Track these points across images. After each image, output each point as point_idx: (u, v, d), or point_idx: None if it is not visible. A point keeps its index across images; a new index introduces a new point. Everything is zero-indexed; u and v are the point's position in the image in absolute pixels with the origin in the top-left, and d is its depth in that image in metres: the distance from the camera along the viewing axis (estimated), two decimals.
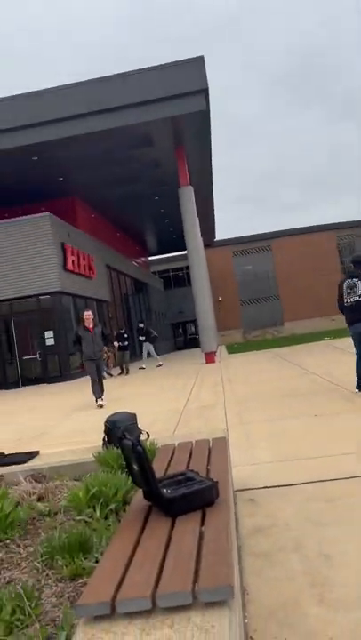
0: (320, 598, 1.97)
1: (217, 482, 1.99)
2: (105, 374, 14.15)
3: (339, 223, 41.30)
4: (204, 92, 15.15)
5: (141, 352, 19.02)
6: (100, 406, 8.41)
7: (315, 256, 39.61)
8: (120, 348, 17.02)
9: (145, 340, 18.77)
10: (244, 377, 10.76)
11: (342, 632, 1.73)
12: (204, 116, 15.90)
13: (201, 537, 1.66)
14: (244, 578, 2.20)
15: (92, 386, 8.92)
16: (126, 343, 17.23)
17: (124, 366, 16.89)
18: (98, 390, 8.86)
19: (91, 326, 8.97)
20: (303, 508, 2.92)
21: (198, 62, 15.11)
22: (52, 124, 15.40)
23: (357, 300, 6.29)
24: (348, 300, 6.43)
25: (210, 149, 18.93)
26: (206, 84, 15.07)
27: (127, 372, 16.64)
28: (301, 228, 40.92)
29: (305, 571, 2.21)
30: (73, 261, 18.39)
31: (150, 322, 30.25)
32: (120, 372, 16.77)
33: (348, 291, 6.43)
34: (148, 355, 18.60)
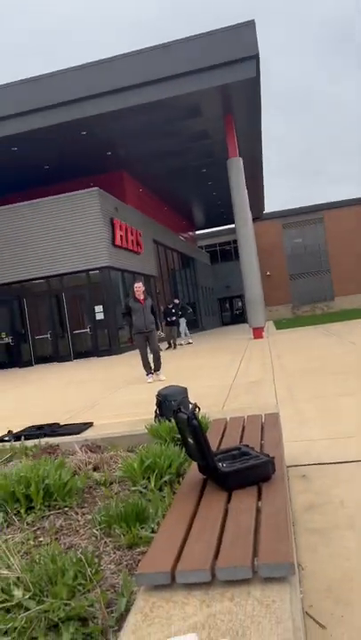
0: None
1: (273, 457, 1.97)
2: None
3: None
4: (255, 58, 14.63)
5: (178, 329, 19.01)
6: (155, 381, 8.16)
7: None
8: (168, 323, 16.97)
9: (180, 316, 18.73)
10: (293, 353, 10.62)
11: None
12: (254, 84, 15.39)
13: (258, 512, 1.65)
14: (299, 554, 2.19)
15: (143, 360, 8.69)
16: (174, 318, 17.21)
17: (171, 341, 17.00)
18: (148, 365, 8.65)
19: (142, 298, 8.76)
20: (358, 486, 2.86)
21: (249, 27, 14.55)
22: (100, 97, 15.35)
23: None
24: None
25: (260, 118, 18.37)
26: (257, 49, 14.54)
27: (175, 347, 16.80)
28: (355, 199, 39.38)
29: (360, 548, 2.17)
30: (121, 236, 18.51)
31: (186, 300, 30.22)
32: (168, 346, 16.75)
33: None
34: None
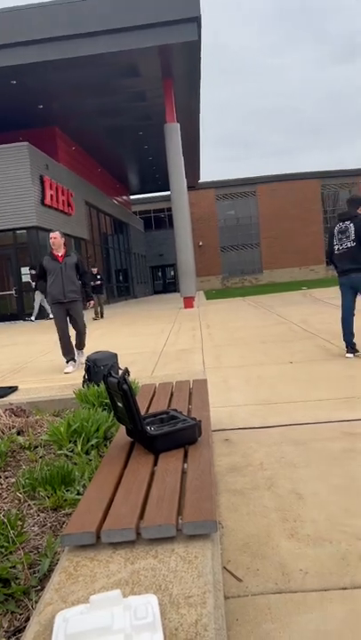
0: (292, 533, 2.07)
1: (200, 421, 2.02)
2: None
3: (325, 172, 40.68)
4: (196, 20, 14.28)
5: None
6: (68, 372, 6.05)
7: (298, 204, 39.29)
8: (92, 289, 15.42)
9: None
10: (222, 323, 10.86)
11: (313, 565, 1.83)
12: (194, 48, 15.07)
13: (184, 474, 1.70)
14: (220, 513, 2.28)
15: (61, 341, 6.34)
16: (98, 283, 15.43)
17: (98, 310, 15.49)
18: (68, 349, 6.37)
19: (60, 254, 6.31)
20: (277, 450, 3.01)
21: None
22: (32, 44, 14.40)
23: (349, 247, 5.49)
24: (339, 247, 5.61)
25: (199, 84, 18.10)
26: (199, 11, 14.18)
27: (102, 316, 15.43)
28: (287, 175, 40.23)
29: (278, 508, 2.30)
30: (51, 196, 17.80)
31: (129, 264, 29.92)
32: (94, 316, 15.25)
33: (340, 236, 5.60)
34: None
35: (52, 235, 6.44)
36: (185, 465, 1.80)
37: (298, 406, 3.86)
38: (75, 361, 6.33)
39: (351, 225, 5.51)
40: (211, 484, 1.61)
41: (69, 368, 6.17)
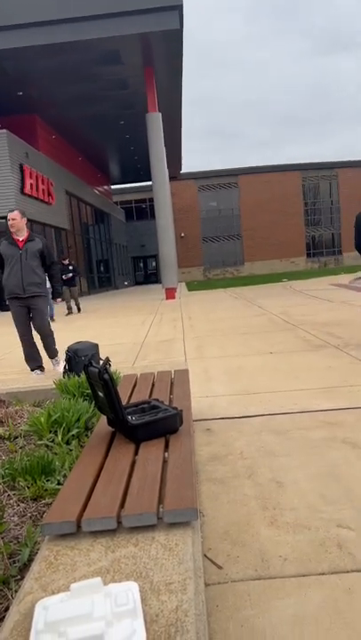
0: (271, 520, 2.09)
1: (181, 410, 2.02)
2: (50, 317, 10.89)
3: (305, 164, 40.87)
4: (178, 8, 14.14)
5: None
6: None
7: (279, 196, 39.46)
8: (64, 281, 13.31)
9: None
10: (203, 314, 10.88)
11: (292, 551, 1.85)
12: (176, 36, 14.94)
13: (165, 462, 1.70)
14: (201, 501, 2.30)
15: (23, 345, 5.26)
16: (71, 275, 14.06)
17: (71, 304, 14.08)
18: (32, 356, 5.22)
19: (21, 238, 5.14)
20: (257, 439, 3.04)
21: None
22: (11, 29, 14.10)
23: None
24: None
25: (181, 74, 17.97)
26: (181, 0, 14.05)
27: (78, 310, 14.21)
28: (268, 167, 40.31)
29: (258, 496, 2.33)
30: (31, 185, 17.55)
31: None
32: (68, 312, 13.78)
33: None
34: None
35: (10, 215, 5.15)
36: (166, 454, 1.80)
37: (278, 396, 3.90)
38: (42, 369, 5.17)
39: None
40: (192, 472, 1.62)
41: (37, 373, 5.12)
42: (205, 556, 1.88)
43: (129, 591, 1.05)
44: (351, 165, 40.60)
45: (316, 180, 41.45)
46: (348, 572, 1.71)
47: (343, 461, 2.60)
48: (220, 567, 1.78)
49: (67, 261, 14.74)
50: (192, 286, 26.48)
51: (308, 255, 41.59)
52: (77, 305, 14.41)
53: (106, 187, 35.94)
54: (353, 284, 16.71)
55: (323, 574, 1.71)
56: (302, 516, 2.10)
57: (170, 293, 16.74)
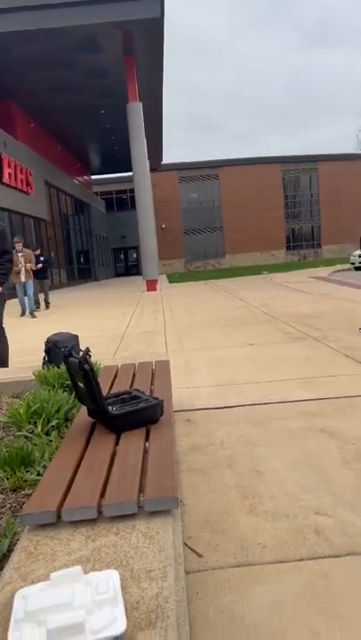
0: (251, 509, 2.12)
1: (162, 401, 2.03)
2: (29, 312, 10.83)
3: (286, 157, 41.01)
4: None
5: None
6: None
7: (260, 189, 39.55)
8: (35, 273, 11.96)
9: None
10: (184, 306, 10.88)
11: (271, 538, 1.88)
12: (157, 25, 14.78)
13: (146, 452, 1.70)
14: (182, 491, 2.31)
15: None
16: (40, 266, 12.48)
17: (43, 299, 13.00)
18: None
19: None
20: (237, 429, 3.07)
21: None
22: None
23: None
24: None
25: (162, 63, 17.81)
26: None
27: (47, 306, 12.85)
28: (249, 159, 40.34)
29: (237, 485, 2.35)
30: (9, 174, 17.27)
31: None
32: (36, 306, 12.20)
33: None
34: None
35: None
36: (147, 444, 1.80)
37: (258, 387, 3.93)
38: None
39: None
40: (172, 462, 1.62)
41: None
42: (186, 544, 1.89)
43: (109, 579, 1.05)
44: (331, 159, 40.89)
45: (296, 173, 41.65)
46: (325, 557, 1.74)
47: (321, 450, 2.64)
48: (200, 555, 1.79)
49: (37, 252, 13.20)
50: (173, 278, 26.45)
51: (288, 248, 41.88)
52: (46, 300, 13.03)
53: (86, 177, 35.55)
54: (332, 277, 16.89)
55: (301, 560, 1.74)
56: (281, 504, 2.13)
57: (151, 285, 16.69)
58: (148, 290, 16.47)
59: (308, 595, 1.57)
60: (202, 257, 40.55)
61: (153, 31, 15.05)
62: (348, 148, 39.01)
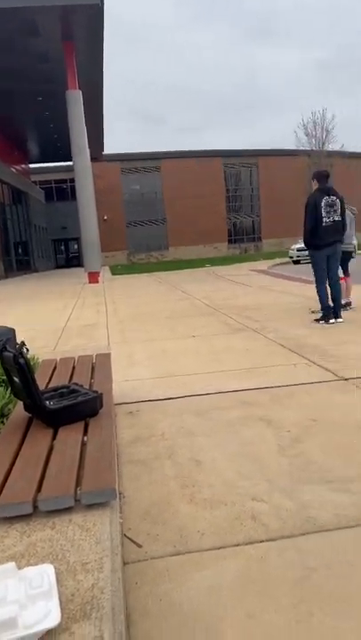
0: (190, 498, 2.15)
1: (101, 394, 2.01)
2: None
3: (227, 151, 41.46)
4: None
5: None
6: None
7: (202, 182, 39.82)
8: None
9: None
10: (127, 298, 10.82)
11: (210, 526, 1.92)
12: (97, 12, 14.49)
13: (84, 446, 1.69)
14: (122, 483, 2.31)
15: None
16: None
17: None
18: None
19: None
20: (178, 420, 3.10)
21: None
22: None
23: (336, 220, 5.95)
24: (327, 220, 5.93)
25: (102, 51, 17.49)
26: None
27: None
28: (191, 152, 40.48)
29: (178, 475, 2.38)
30: None
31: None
32: None
33: (328, 209, 5.93)
34: None
35: None
36: (85, 437, 1.79)
37: (200, 378, 3.98)
38: None
39: (337, 200, 5.95)
40: (111, 454, 1.62)
41: None
42: (125, 535, 1.90)
43: (44, 573, 1.04)
44: (271, 154, 41.76)
45: (237, 167, 42.26)
46: (261, 541, 1.80)
47: (259, 439, 2.72)
48: (139, 546, 1.80)
49: None
50: (116, 270, 26.21)
51: (230, 241, 42.52)
52: None
53: (23, 165, 34.40)
54: (271, 270, 17.34)
55: (238, 545, 1.79)
56: (219, 493, 2.17)
57: (93, 277, 16.46)
58: (90, 282, 16.24)
59: (244, 579, 1.62)
60: (145, 249, 40.40)
61: (93, 18, 14.75)
62: (288, 144, 39.86)
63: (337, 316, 6.06)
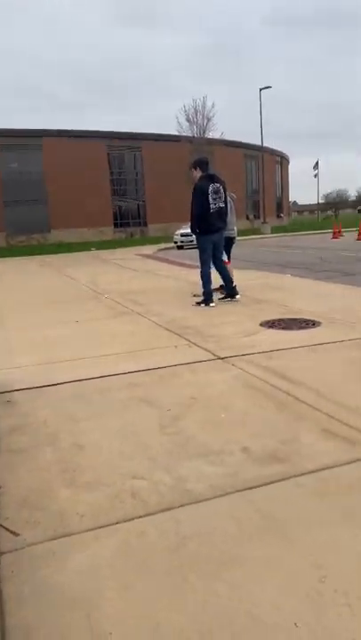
0: (71, 482, 2.15)
1: None
2: None
3: (110, 132, 40.77)
4: None
5: None
6: None
7: (86, 164, 38.80)
8: None
9: None
10: (7, 283, 10.31)
11: (90, 507, 1.93)
12: None
13: None
14: None
15: None
16: None
17: None
18: None
19: None
20: (60, 406, 3.06)
21: None
22: None
23: (221, 207, 6.14)
24: (213, 206, 6.08)
25: None
26: None
27: None
28: (74, 131, 39.16)
29: (59, 460, 2.36)
30: None
31: None
32: None
33: (214, 196, 6.08)
34: None
35: None
36: None
37: (84, 363, 3.95)
38: None
39: (221, 187, 6.12)
40: None
41: None
42: (1, 525, 1.85)
43: None
44: (154, 139, 41.84)
45: (121, 150, 41.78)
46: (140, 517, 1.86)
47: (141, 419, 2.78)
48: (16, 534, 1.77)
49: None
50: None
51: (116, 225, 42.11)
52: None
53: None
54: (156, 255, 17.56)
55: (118, 523, 1.83)
56: (101, 474, 2.20)
57: None
58: None
59: (123, 554, 1.66)
60: (26, 231, 38.49)
61: None
62: (173, 129, 40.03)
63: (234, 294, 6.41)
